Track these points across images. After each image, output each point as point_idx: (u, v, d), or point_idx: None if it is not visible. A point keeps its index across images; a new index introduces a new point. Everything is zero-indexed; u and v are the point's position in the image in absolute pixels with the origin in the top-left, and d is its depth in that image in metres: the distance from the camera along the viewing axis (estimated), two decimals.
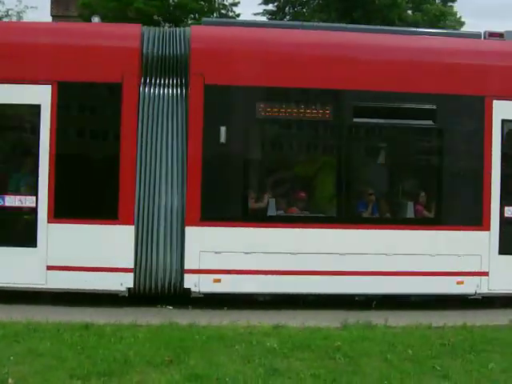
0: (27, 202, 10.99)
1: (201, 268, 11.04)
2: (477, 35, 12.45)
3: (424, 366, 7.92)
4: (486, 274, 11.71)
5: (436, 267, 11.48)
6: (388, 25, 32.91)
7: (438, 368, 7.85)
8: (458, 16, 44.11)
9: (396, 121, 11.78)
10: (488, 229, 11.64)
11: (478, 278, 11.71)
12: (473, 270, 11.68)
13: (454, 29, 36.10)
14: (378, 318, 10.13)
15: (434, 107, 11.63)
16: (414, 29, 12.34)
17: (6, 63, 11.01)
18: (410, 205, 11.89)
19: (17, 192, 11.16)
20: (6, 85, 10.93)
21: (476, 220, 11.66)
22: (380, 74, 11.61)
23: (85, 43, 11.27)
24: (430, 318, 10.33)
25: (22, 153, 11.89)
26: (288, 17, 36.43)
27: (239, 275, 11.12)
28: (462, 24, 43.52)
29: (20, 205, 11.00)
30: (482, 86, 11.77)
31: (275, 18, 36.67)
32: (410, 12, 38.73)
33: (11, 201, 10.99)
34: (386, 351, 8.42)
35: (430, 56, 11.85)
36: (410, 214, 11.88)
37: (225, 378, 7.10)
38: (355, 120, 11.55)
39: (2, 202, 10.96)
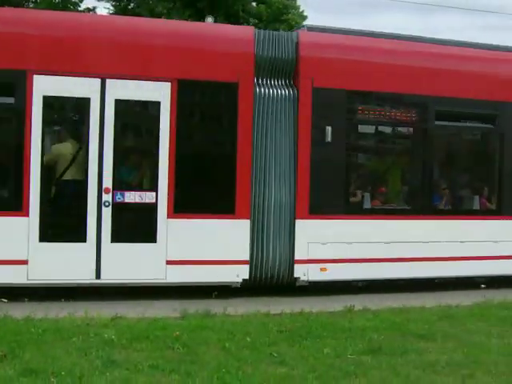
0: (147, 197, 11.20)
1: (309, 258, 11.98)
2: None
3: (261, 354, 8.02)
4: None
5: (498, 252, 13.20)
6: (232, 16, 33.33)
7: (275, 355, 7.97)
8: (300, 10, 45.02)
9: (468, 124, 13.72)
10: None
11: None
12: None
13: (296, 22, 36.80)
14: (217, 306, 10.25)
15: (497, 113, 13.48)
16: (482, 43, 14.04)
17: (129, 60, 11.20)
18: (476, 198, 13.69)
19: (133, 187, 11.39)
20: (128, 81, 11.18)
21: None
22: (458, 83, 13.04)
23: (203, 44, 11.84)
24: (268, 306, 10.54)
25: (143, 149, 12.13)
26: (132, 4, 35.98)
27: (343, 264, 12.20)
28: (304, 18, 44.43)
29: (140, 201, 11.18)
30: None
31: (119, 6, 36.12)
32: (254, 4, 39.13)
33: (131, 197, 11.09)
34: (225, 340, 8.47)
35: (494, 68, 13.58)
36: (476, 206, 13.67)
37: (60, 372, 6.90)
38: (436, 123, 12.99)
39: (122, 198, 11.03)
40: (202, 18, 28.69)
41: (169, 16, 30.72)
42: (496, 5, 61.55)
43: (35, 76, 10.71)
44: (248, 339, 8.52)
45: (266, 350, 8.15)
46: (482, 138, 14.40)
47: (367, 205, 12.75)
